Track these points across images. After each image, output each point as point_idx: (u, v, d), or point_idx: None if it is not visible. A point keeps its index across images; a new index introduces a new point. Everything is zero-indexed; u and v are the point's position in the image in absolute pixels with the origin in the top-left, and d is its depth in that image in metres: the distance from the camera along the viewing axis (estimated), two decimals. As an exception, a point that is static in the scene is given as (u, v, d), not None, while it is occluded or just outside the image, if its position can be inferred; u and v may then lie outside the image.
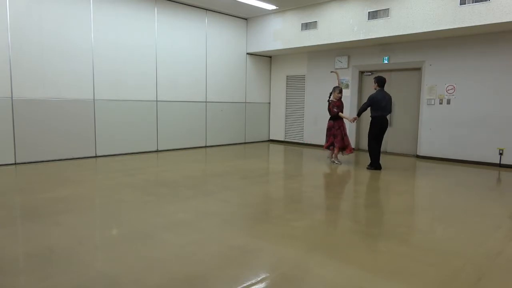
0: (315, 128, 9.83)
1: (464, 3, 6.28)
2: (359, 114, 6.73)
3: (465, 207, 4.37)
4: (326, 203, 4.31)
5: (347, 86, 9.11)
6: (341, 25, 8.00)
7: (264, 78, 10.67)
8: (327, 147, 7.17)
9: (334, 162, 7.08)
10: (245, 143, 10.28)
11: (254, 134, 10.58)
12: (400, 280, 2.47)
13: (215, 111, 9.42)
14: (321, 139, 9.66)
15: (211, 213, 3.86)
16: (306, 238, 3.20)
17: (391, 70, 8.53)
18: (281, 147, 9.84)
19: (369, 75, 8.96)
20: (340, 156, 7.24)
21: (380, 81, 6.50)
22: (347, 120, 7.13)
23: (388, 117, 6.50)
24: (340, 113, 6.92)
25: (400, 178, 5.91)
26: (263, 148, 9.53)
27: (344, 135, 6.94)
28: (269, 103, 10.92)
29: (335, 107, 6.91)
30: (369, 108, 6.49)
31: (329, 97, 7.09)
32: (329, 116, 7.14)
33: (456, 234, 3.40)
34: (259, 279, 2.46)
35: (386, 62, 8.38)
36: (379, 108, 6.34)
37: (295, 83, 10.26)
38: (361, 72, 9.06)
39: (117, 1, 7.30)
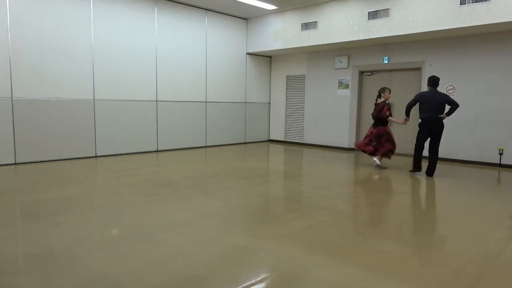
0: (316, 128, 9.83)
1: (464, 3, 6.27)
2: (407, 113, 6.14)
3: (465, 207, 4.37)
4: (326, 203, 4.31)
5: (347, 86, 9.11)
6: (341, 25, 8.00)
7: (264, 78, 10.67)
8: (373, 153, 6.65)
9: (382, 166, 6.64)
10: (245, 143, 10.27)
11: (254, 134, 10.57)
12: (400, 280, 2.47)
13: (215, 111, 9.42)
14: (321, 139, 9.69)
15: (211, 213, 3.85)
16: (306, 238, 3.20)
17: (391, 70, 8.54)
18: (281, 147, 9.84)
19: (369, 75, 8.96)
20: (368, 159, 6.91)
21: (430, 80, 5.94)
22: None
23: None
24: (390, 118, 6.45)
25: (400, 178, 5.90)
26: (263, 148, 9.53)
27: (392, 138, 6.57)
28: (269, 103, 10.92)
29: (388, 110, 6.44)
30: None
31: (377, 100, 6.64)
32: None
33: (456, 234, 3.40)
34: (259, 279, 2.46)
35: (386, 62, 8.38)
36: (426, 109, 5.86)
37: (295, 83, 10.26)
38: (361, 72, 9.06)
39: (117, 1, 7.30)
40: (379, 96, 6.66)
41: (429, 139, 6.03)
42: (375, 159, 6.70)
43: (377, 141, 6.56)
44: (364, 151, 6.80)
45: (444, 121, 5.93)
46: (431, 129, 5.92)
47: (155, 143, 8.26)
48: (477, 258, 2.84)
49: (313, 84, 9.78)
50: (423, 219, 3.97)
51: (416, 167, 6.17)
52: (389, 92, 6.61)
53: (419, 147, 6.10)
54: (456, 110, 5.87)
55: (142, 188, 4.84)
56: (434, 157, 5.97)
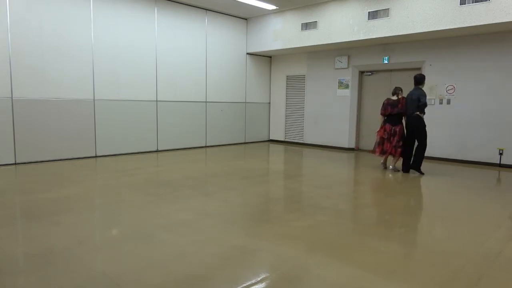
0: (316, 128, 9.83)
1: (464, 3, 6.28)
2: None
3: (465, 207, 4.37)
4: (326, 203, 4.31)
5: (347, 86, 9.11)
6: (341, 25, 8.00)
7: (264, 78, 10.67)
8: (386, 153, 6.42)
9: (396, 169, 6.40)
10: (245, 143, 10.28)
11: (254, 134, 10.58)
12: (400, 280, 2.47)
13: (215, 111, 9.42)
14: (321, 139, 9.69)
15: (211, 213, 3.86)
16: (306, 238, 3.20)
17: (391, 70, 8.54)
18: (281, 147, 9.84)
19: (369, 75, 8.96)
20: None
21: (414, 79, 6.15)
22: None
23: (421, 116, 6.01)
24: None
25: (399, 178, 5.90)
26: (263, 148, 9.53)
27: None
28: (269, 103, 10.92)
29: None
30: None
31: (398, 97, 6.30)
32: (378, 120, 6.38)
33: (456, 234, 3.40)
34: (259, 279, 2.46)
35: (386, 62, 8.38)
36: (407, 107, 6.11)
37: (295, 83, 10.26)
38: (361, 72, 9.06)
39: (117, 1, 7.30)
40: (396, 94, 6.33)
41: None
42: (391, 165, 6.47)
43: (402, 139, 6.26)
44: (393, 155, 6.35)
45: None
46: (409, 126, 6.11)
47: (155, 143, 8.26)
48: (477, 258, 2.84)
49: (313, 84, 9.78)
50: (423, 219, 3.97)
51: (405, 168, 6.30)
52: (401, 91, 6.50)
53: (407, 145, 6.24)
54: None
55: (142, 188, 4.84)
56: (418, 152, 6.08)
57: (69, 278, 2.39)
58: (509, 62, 6.78)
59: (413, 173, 6.20)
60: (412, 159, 6.19)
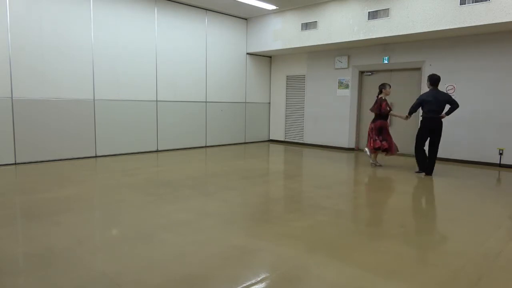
0: (316, 128, 9.83)
1: (464, 3, 6.28)
2: (410, 114, 6.23)
3: (465, 207, 4.37)
4: (326, 203, 4.31)
5: (347, 86, 9.12)
6: (341, 25, 8.00)
7: (264, 78, 10.67)
8: (377, 149, 6.61)
9: (376, 164, 6.80)
10: (245, 143, 10.27)
11: (254, 134, 10.57)
12: (400, 280, 2.47)
13: (215, 111, 9.42)
14: (321, 139, 9.69)
15: (211, 213, 3.86)
16: (306, 238, 3.20)
17: (391, 70, 8.53)
18: (281, 147, 9.84)
19: (369, 75, 8.96)
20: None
21: (432, 80, 5.96)
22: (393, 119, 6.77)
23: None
24: (392, 112, 6.74)
25: (399, 178, 5.90)
26: (263, 148, 9.53)
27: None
28: (269, 103, 10.92)
29: (388, 105, 6.56)
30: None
31: (379, 95, 6.65)
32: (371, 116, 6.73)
33: (456, 234, 3.40)
34: (259, 279, 2.46)
35: (386, 62, 8.38)
36: (428, 108, 5.96)
37: (295, 83, 10.26)
38: (361, 72, 9.06)
39: (117, 1, 7.30)
40: (380, 92, 6.67)
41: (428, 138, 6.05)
42: (371, 160, 6.77)
43: (381, 135, 6.53)
44: (386, 150, 6.56)
45: (443, 120, 5.95)
46: (432, 128, 5.95)
47: (155, 143, 8.26)
48: (477, 258, 2.84)
49: (313, 84, 9.78)
50: (423, 219, 3.97)
51: (422, 168, 6.12)
52: (390, 88, 6.68)
53: (421, 147, 6.10)
54: (456, 110, 5.92)
55: (142, 188, 4.84)
56: (433, 156, 5.98)
57: (69, 278, 2.39)
58: (509, 62, 6.78)
59: (416, 174, 6.19)
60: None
